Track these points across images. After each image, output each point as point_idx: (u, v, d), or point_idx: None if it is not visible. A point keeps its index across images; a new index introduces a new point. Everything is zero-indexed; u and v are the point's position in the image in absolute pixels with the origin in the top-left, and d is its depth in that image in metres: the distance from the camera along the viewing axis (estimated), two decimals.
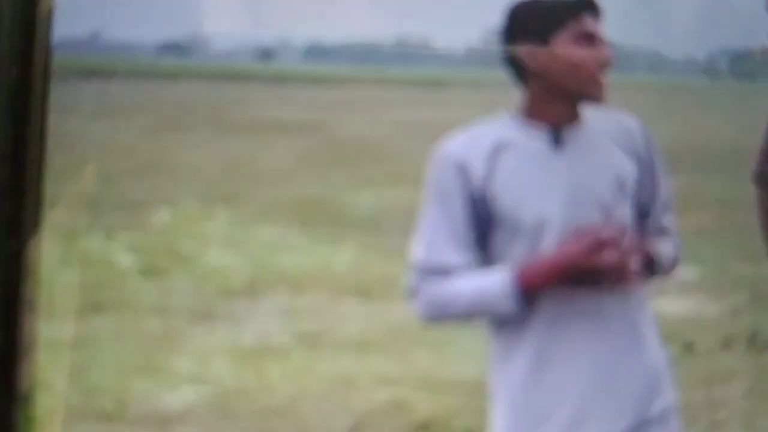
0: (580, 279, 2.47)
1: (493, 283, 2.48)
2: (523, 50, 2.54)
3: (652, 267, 2.59)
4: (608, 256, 2.43)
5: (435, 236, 2.57)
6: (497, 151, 2.54)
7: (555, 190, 2.53)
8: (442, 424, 5.37)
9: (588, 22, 2.53)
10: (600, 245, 2.43)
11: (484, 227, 2.55)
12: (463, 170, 2.53)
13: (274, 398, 5.79)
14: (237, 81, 51.89)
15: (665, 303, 7.42)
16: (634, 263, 2.46)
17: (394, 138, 22.54)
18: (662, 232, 2.69)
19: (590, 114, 2.61)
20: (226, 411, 5.60)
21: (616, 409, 2.53)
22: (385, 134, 23.64)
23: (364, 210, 12.86)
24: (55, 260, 9.12)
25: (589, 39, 2.53)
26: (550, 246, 2.49)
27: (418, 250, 2.61)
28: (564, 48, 2.52)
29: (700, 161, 18.57)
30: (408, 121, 27.07)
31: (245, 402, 5.73)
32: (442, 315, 2.58)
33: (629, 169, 2.59)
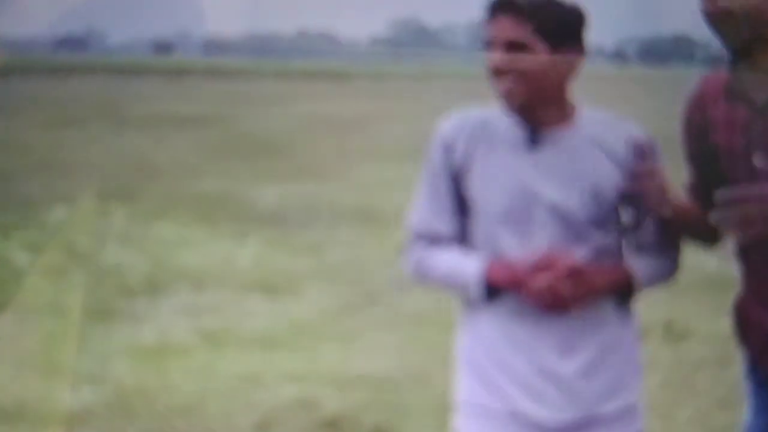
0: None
1: (466, 267, 2.71)
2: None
3: (629, 285, 2.72)
4: (537, 283, 2.61)
5: (423, 206, 2.80)
6: (479, 137, 2.70)
7: (516, 185, 2.66)
8: (350, 420, 5.30)
9: (490, 27, 2.62)
10: (533, 273, 2.61)
11: (462, 203, 2.76)
12: (448, 150, 2.72)
13: (176, 397, 5.67)
14: (134, 75, 51.36)
15: None
16: (566, 289, 2.60)
17: (296, 131, 22.46)
18: (651, 246, 2.78)
19: (590, 120, 2.71)
20: (127, 411, 5.47)
21: (560, 400, 2.70)
22: (287, 128, 23.54)
23: (267, 205, 12.76)
24: None
25: (489, 45, 2.63)
26: (505, 239, 2.69)
27: (411, 216, 2.83)
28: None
29: None
30: (311, 114, 27.01)
31: (147, 401, 5.61)
32: (422, 278, 2.83)
33: (612, 180, 2.66)
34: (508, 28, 2.58)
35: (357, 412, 5.38)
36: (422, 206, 2.80)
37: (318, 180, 14.68)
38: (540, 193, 2.64)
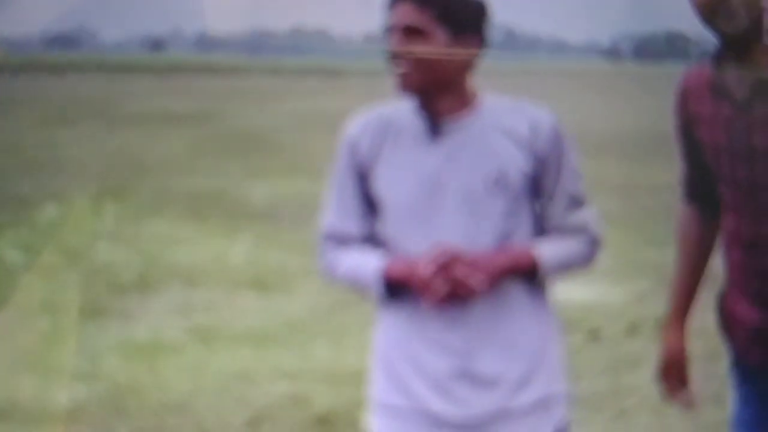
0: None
1: (367, 265, 2.70)
2: None
3: (534, 270, 2.67)
4: (422, 274, 2.57)
5: (331, 207, 2.79)
6: (383, 134, 2.69)
7: (420, 177, 2.64)
8: (342, 417, 5.29)
9: (392, 13, 2.62)
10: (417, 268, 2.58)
11: (372, 204, 2.75)
12: (354, 149, 2.71)
13: (168, 394, 5.66)
14: (126, 72, 51.28)
15: (570, 289, 7.40)
16: (461, 274, 2.56)
17: (289, 128, 22.42)
18: (566, 229, 2.72)
19: (493, 106, 2.67)
20: (119, 408, 5.45)
21: (469, 396, 2.66)
22: (280, 124, 23.52)
23: (259, 201, 12.74)
24: None
25: (390, 31, 2.62)
26: (411, 234, 2.66)
27: (322, 217, 2.82)
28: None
29: (603, 145, 18.73)
30: (303, 111, 26.98)
31: (139, 399, 5.60)
32: (332, 279, 2.81)
33: (517, 164, 2.63)
34: (408, 13, 2.58)
35: (349, 408, 5.33)
36: (330, 207, 2.78)
37: (310, 177, 14.62)
38: (444, 181, 2.62)
